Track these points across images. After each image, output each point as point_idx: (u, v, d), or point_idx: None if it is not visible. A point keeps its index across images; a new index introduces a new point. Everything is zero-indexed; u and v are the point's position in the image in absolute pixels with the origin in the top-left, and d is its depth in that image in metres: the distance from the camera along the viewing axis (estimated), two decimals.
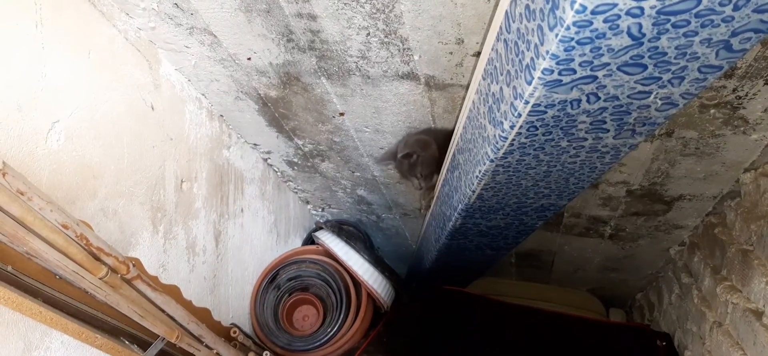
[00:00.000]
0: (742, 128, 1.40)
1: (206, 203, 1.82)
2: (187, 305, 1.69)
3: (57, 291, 1.19)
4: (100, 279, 1.21)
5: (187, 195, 1.71)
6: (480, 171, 1.23)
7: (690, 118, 1.39)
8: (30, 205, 1.03)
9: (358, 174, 2.20)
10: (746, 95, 1.27)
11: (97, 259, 1.21)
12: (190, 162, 1.72)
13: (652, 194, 1.84)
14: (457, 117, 1.57)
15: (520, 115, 0.94)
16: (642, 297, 2.81)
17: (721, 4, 0.66)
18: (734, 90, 1.26)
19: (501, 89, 1.00)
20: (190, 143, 1.71)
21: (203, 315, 1.80)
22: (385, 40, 1.30)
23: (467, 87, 1.42)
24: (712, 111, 1.35)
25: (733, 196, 1.74)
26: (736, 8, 0.66)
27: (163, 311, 1.48)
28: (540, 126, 0.99)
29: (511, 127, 0.99)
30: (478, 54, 1.28)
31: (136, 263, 1.44)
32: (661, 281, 2.49)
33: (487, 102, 1.11)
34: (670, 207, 1.92)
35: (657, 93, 0.86)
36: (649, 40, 0.73)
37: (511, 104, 0.94)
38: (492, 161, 1.15)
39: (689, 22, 0.69)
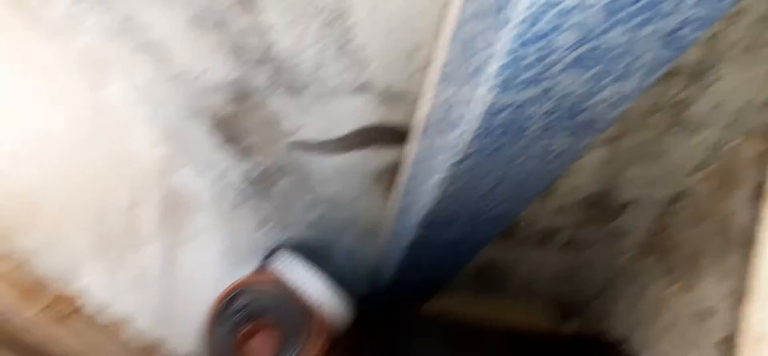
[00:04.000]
0: (686, 131, 1.45)
1: (157, 228, 1.76)
2: (137, 337, 1.63)
3: None
4: (40, 311, 1.14)
5: (136, 222, 1.65)
6: (436, 180, 1.24)
7: (636, 122, 1.44)
8: None
9: (315, 193, 2.18)
10: (690, 97, 1.32)
11: (37, 292, 1.14)
12: (140, 186, 1.67)
13: (603, 200, 1.89)
14: (413, 125, 1.57)
15: (474, 118, 0.95)
16: (596, 305, 2.86)
17: None
18: (678, 92, 1.30)
19: (454, 92, 1.01)
20: (139, 166, 1.66)
21: (154, 347, 1.73)
22: (340, 51, 1.30)
23: (421, 98, 1.43)
24: (658, 114, 1.40)
25: (680, 199, 1.80)
26: None
27: (109, 344, 1.41)
28: (494, 129, 1.00)
29: (466, 131, 0.99)
30: (430, 64, 1.29)
31: (80, 296, 1.37)
32: (615, 287, 2.54)
33: (442, 108, 1.12)
34: (620, 213, 1.97)
35: (607, 91, 0.88)
36: (597, 36, 0.75)
37: (466, 107, 0.95)
38: (447, 168, 1.15)
39: (637, 15, 0.71)
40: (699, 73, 1.22)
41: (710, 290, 1.54)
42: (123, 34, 1.33)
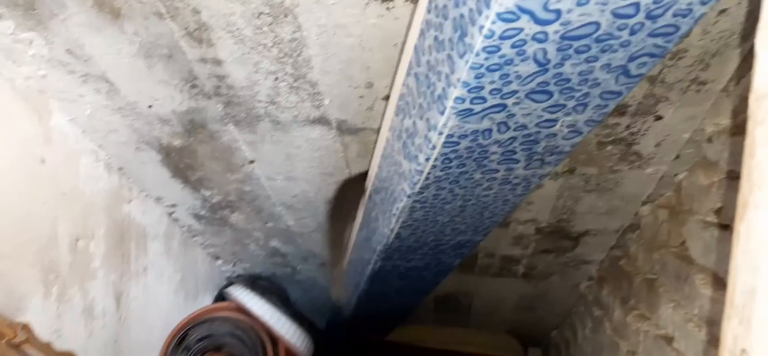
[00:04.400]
0: (637, 163, 1.48)
1: (105, 262, 1.69)
2: None
3: None
4: None
5: (82, 254, 1.58)
6: (397, 208, 1.22)
7: (589, 155, 1.46)
8: None
9: (271, 224, 2.13)
10: (638, 131, 1.34)
11: None
12: (86, 219, 1.60)
13: (560, 230, 1.90)
14: (371, 159, 1.56)
15: (434, 147, 0.94)
16: (557, 334, 2.87)
17: (619, 29, 0.69)
18: (628, 127, 1.33)
19: (414, 123, 1.00)
20: (86, 198, 1.59)
21: None
22: (294, 84, 1.28)
23: (379, 130, 1.42)
24: (609, 147, 1.42)
25: (634, 228, 1.82)
26: (632, 33, 0.69)
27: None
28: (454, 158, 0.99)
29: (427, 159, 0.98)
30: (387, 97, 1.28)
31: (25, 327, 1.30)
32: (575, 316, 2.56)
33: (401, 138, 1.11)
34: (577, 243, 1.99)
35: (563, 121, 0.89)
36: (554, 66, 0.75)
37: (426, 136, 0.94)
38: (409, 196, 1.14)
39: (590, 47, 0.71)
40: (644, 111, 1.25)
41: (668, 316, 1.56)
42: (67, 64, 1.28)
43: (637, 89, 1.19)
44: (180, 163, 1.72)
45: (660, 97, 1.22)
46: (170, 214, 2.11)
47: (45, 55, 1.26)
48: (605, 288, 2.10)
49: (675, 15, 0.67)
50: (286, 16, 1.07)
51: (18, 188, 1.34)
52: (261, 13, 1.08)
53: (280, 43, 1.15)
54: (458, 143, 0.93)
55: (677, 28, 0.69)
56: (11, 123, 1.32)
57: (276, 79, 1.27)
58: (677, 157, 1.44)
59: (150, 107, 1.43)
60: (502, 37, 0.68)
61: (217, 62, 1.23)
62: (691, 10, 0.66)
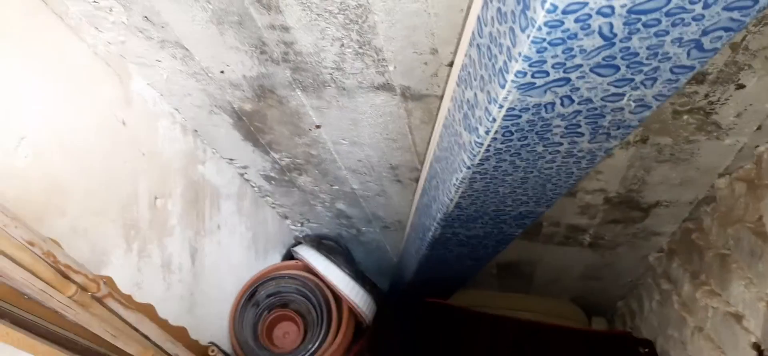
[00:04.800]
0: (715, 133, 1.41)
1: (181, 220, 1.79)
2: (162, 324, 1.66)
3: (25, 311, 1.15)
4: (69, 297, 1.17)
5: (161, 212, 1.68)
6: (457, 179, 1.22)
7: (664, 124, 1.40)
8: None
9: (337, 187, 2.18)
10: (718, 100, 1.28)
11: (66, 277, 1.17)
12: (164, 178, 1.69)
13: (629, 201, 1.85)
14: (433, 127, 1.56)
15: (494, 120, 0.93)
16: (623, 305, 2.81)
17: (691, 2, 0.66)
18: (706, 95, 1.27)
19: (475, 94, 0.99)
20: (164, 158, 1.68)
21: (179, 334, 1.76)
22: (360, 51, 1.29)
23: (442, 98, 1.42)
24: (686, 117, 1.36)
25: (709, 201, 1.75)
26: (706, 6, 0.66)
27: (136, 330, 1.44)
28: (515, 131, 0.98)
29: (487, 132, 0.98)
30: (452, 64, 1.27)
31: (108, 281, 1.40)
32: (642, 288, 2.49)
33: (462, 109, 1.10)
34: (647, 214, 1.93)
35: (630, 95, 0.86)
36: (620, 41, 0.73)
37: (486, 109, 0.94)
38: (468, 168, 1.14)
39: (660, 21, 0.69)
40: (725, 79, 1.19)
41: (739, 294, 1.50)
42: (145, 30, 1.35)
43: (718, 56, 1.14)
44: (250, 126, 1.78)
45: (743, 65, 1.16)
46: (242, 174, 2.20)
47: (124, 21, 1.33)
48: (675, 261, 2.03)
49: None
50: None
51: (102, 148, 1.43)
52: None
53: (346, 9, 1.16)
54: (520, 116, 0.92)
55: (756, 1, 0.65)
56: (94, 87, 1.40)
57: (342, 45, 1.29)
58: (759, 128, 1.37)
59: (222, 72, 1.49)
60: (565, 12, 0.67)
61: (285, 29, 1.26)
62: None
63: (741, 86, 1.23)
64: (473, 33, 0.98)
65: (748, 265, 1.49)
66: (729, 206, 1.62)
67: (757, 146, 1.44)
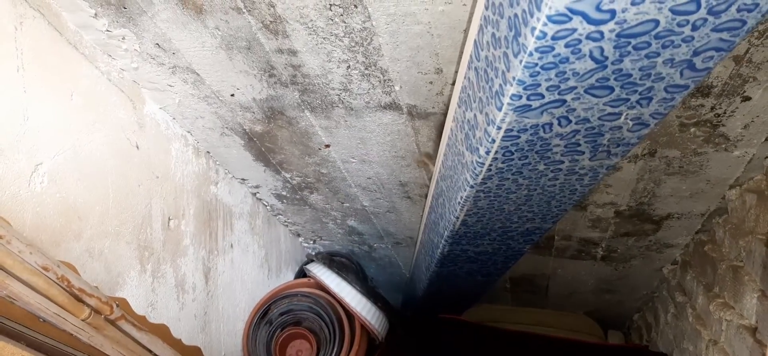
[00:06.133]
0: (723, 145, 1.41)
1: (195, 240, 1.82)
2: (176, 344, 1.68)
3: (40, 334, 1.18)
4: (82, 320, 1.20)
5: (174, 233, 1.71)
6: (461, 197, 1.24)
7: (671, 137, 1.40)
8: (8, 248, 1.03)
9: (348, 205, 2.20)
10: (725, 113, 1.28)
11: (80, 300, 1.20)
12: (177, 199, 1.72)
13: (641, 214, 1.84)
14: (439, 144, 1.58)
15: (494, 140, 0.95)
16: (639, 318, 2.79)
17: (679, 25, 0.67)
18: (712, 108, 1.27)
19: (475, 115, 1.01)
20: (177, 180, 1.72)
21: (193, 354, 1.79)
22: (366, 72, 1.32)
23: (447, 115, 1.43)
24: (693, 129, 1.36)
25: (721, 213, 1.74)
26: (694, 28, 0.67)
27: (150, 351, 1.46)
28: (515, 151, 0.99)
29: (487, 152, 0.99)
30: (454, 83, 1.29)
31: (122, 303, 1.43)
32: (657, 301, 2.47)
33: (464, 129, 1.12)
34: (659, 226, 1.92)
35: (627, 114, 0.87)
36: (612, 63, 0.74)
37: (485, 130, 0.95)
38: (472, 186, 1.15)
39: (650, 44, 0.70)
40: (730, 92, 1.19)
41: (752, 307, 1.49)
42: (156, 57, 1.38)
43: (722, 68, 1.14)
44: (261, 147, 1.81)
45: (747, 77, 1.16)
46: (254, 194, 2.23)
47: (136, 49, 1.37)
48: (689, 274, 2.01)
49: (740, 10, 0.64)
50: (356, 6, 1.11)
51: (116, 171, 1.46)
52: (332, 4, 1.12)
53: (351, 32, 1.19)
54: (518, 137, 0.93)
55: (743, 22, 0.66)
56: (109, 112, 1.44)
57: (348, 67, 1.31)
58: (767, 139, 1.36)
59: (232, 95, 1.52)
60: (554, 38, 0.68)
61: (293, 52, 1.29)
62: (757, 5, 0.63)
63: (747, 98, 1.23)
64: (471, 56, 1.00)
65: (761, 277, 1.48)
66: (740, 218, 1.61)
67: (767, 157, 1.43)
